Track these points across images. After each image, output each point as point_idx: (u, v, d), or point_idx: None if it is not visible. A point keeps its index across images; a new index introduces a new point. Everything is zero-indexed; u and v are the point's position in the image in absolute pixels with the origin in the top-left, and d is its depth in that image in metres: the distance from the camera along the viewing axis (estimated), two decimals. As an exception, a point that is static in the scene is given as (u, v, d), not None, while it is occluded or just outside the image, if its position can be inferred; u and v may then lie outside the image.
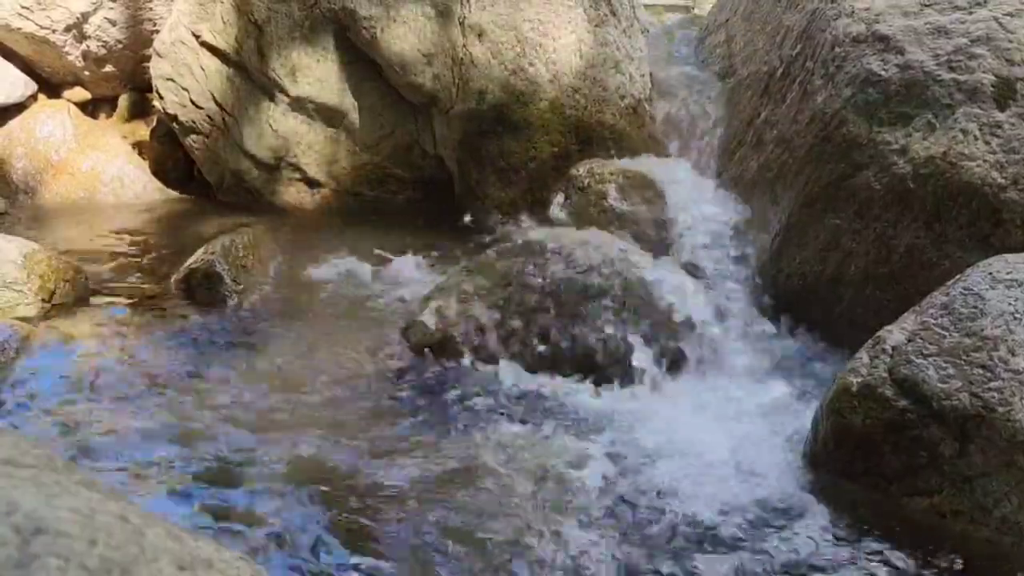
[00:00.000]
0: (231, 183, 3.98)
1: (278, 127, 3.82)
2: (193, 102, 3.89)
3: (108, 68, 4.29)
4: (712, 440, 2.16)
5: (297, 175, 3.87)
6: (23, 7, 4.03)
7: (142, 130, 4.36)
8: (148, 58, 4.06)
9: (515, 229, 3.42)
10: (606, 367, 2.45)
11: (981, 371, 1.88)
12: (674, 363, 2.49)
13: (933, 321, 1.99)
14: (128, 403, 2.26)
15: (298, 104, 3.78)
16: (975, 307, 1.96)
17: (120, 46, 4.24)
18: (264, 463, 1.99)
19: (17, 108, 4.16)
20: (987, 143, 2.48)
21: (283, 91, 3.77)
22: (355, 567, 1.68)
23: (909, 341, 1.98)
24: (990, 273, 2.02)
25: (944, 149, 2.51)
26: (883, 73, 2.64)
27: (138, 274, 3.17)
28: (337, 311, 2.87)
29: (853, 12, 2.81)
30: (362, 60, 3.72)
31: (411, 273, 3.10)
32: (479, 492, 1.91)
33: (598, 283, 2.51)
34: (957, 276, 2.09)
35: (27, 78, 4.19)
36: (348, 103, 3.77)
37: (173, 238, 3.58)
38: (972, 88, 2.52)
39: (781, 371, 2.60)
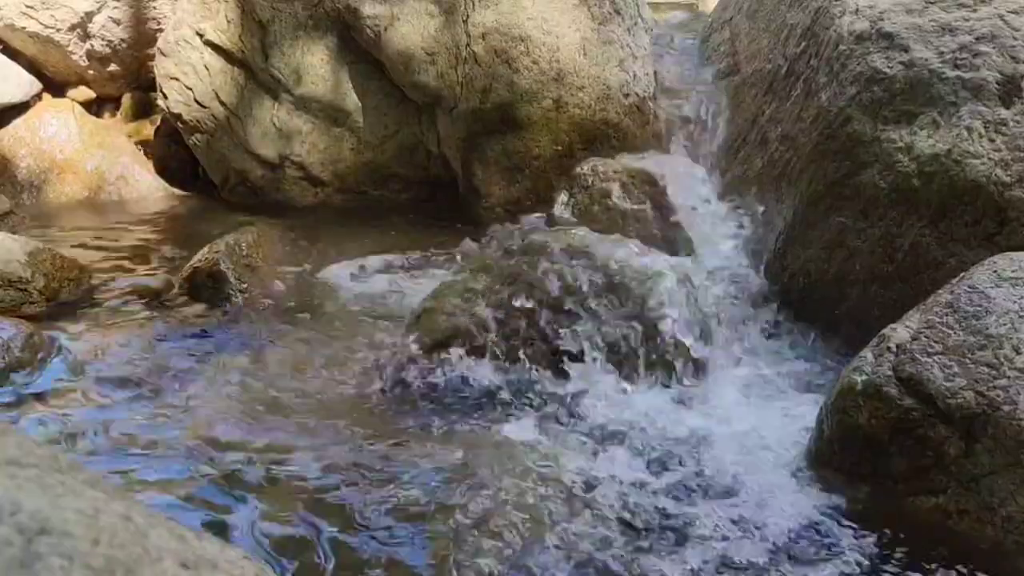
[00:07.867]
0: (235, 182, 3.99)
1: (282, 126, 3.82)
2: (197, 101, 3.90)
3: (112, 67, 4.29)
4: (714, 439, 2.16)
5: (301, 174, 3.88)
6: (27, 6, 4.03)
7: (146, 129, 4.37)
8: (152, 57, 4.07)
9: (519, 228, 3.42)
10: (609, 364, 2.45)
11: (987, 369, 1.87)
12: (677, 361, 2.48)
13: (938, 319, 1.98)
14: (132, 402, 2.26)
15: (302, 103, 3.78)
16: (980, 305, 1.95)
17: (124, 45, 4.25)
18: (268, 463, 1.99)
19: (22, 107, 4.17)
20: (992, 141, 2.47)
21: (287, 90, 3.77)
22: (359, 568, 1.68)
23: (914, 339, 1.98)
24: (995, 271, 2.01)
25: (949, 147, 2.50)
26: (887, 71, 2.64)
27: (142, 273, 3.17)
28: (341, 310, 2.87)
29: (857, 10, 2.80)
30: (366, 59, 3.72)
31: (415, 272, 3.10)
32: (485, 492, 1.90)
33: (601, 281, 2.51)
34: (962, 274, 2.09)
35: (32, 77, 4.20)
36: (352, 102, 3.77)
37: (177, 237, 3.59)
38: (977, 86, 2.52)
39: (784, 369, 2.60)
